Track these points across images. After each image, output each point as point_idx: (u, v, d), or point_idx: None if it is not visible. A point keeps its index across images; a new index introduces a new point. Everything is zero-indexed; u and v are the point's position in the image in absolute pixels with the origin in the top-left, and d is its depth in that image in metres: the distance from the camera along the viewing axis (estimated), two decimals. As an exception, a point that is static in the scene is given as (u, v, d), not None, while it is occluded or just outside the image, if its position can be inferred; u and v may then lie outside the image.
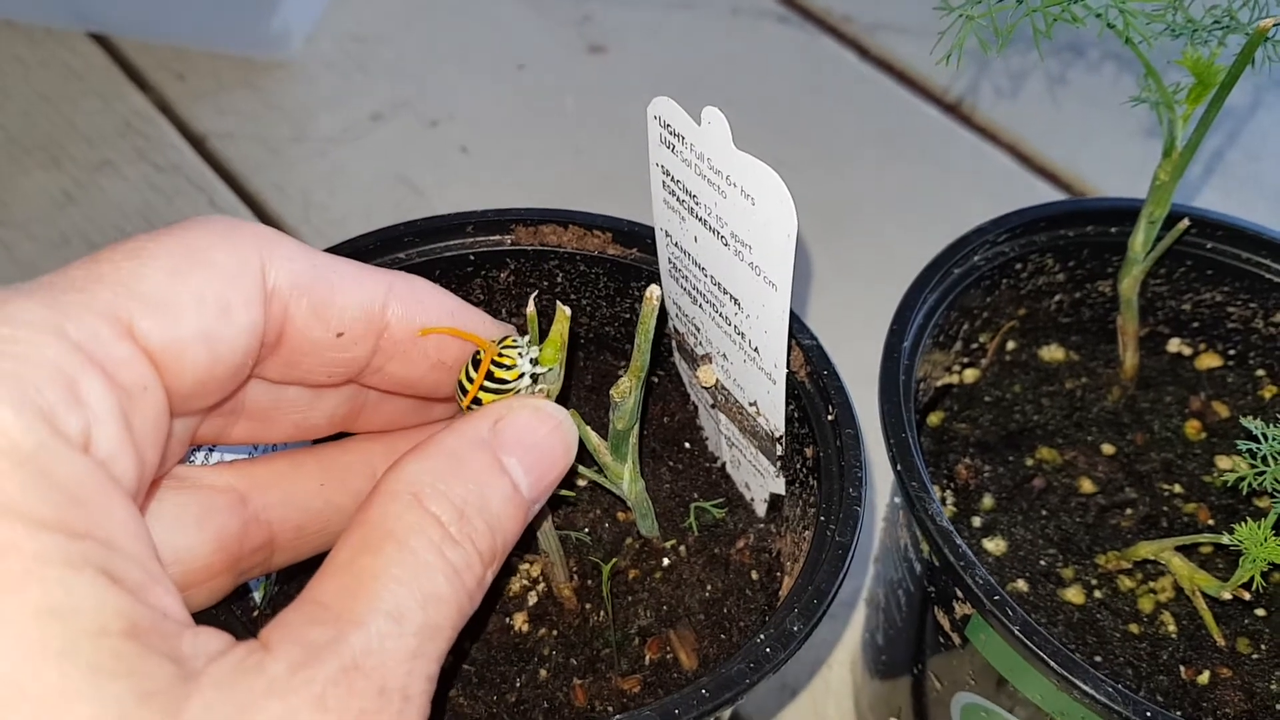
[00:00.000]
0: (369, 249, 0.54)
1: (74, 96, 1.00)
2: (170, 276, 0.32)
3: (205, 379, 0.33)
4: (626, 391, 0.42)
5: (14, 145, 0.95)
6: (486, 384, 0.40)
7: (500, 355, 0.40)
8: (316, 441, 0.45)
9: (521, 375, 0.40)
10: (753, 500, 0.53)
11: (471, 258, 0.55)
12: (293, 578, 0.50)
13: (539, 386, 0.41)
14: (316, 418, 0.43)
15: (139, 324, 0.31)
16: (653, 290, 0.40)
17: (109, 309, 0.30)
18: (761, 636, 0.40)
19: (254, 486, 0.41)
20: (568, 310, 0.40)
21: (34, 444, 0.27)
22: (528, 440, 0.37)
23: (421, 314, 0.40)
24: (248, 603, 0.48)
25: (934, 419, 0.60)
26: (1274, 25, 0.46)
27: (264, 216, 0.92)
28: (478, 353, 0.40)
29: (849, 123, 1.03)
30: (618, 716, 0.37)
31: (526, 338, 0.41)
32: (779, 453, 0.49)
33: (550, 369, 0.40)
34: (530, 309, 0.41)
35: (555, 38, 1.09)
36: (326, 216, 0.92)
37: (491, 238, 0.56)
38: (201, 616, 0.40)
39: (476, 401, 0.40)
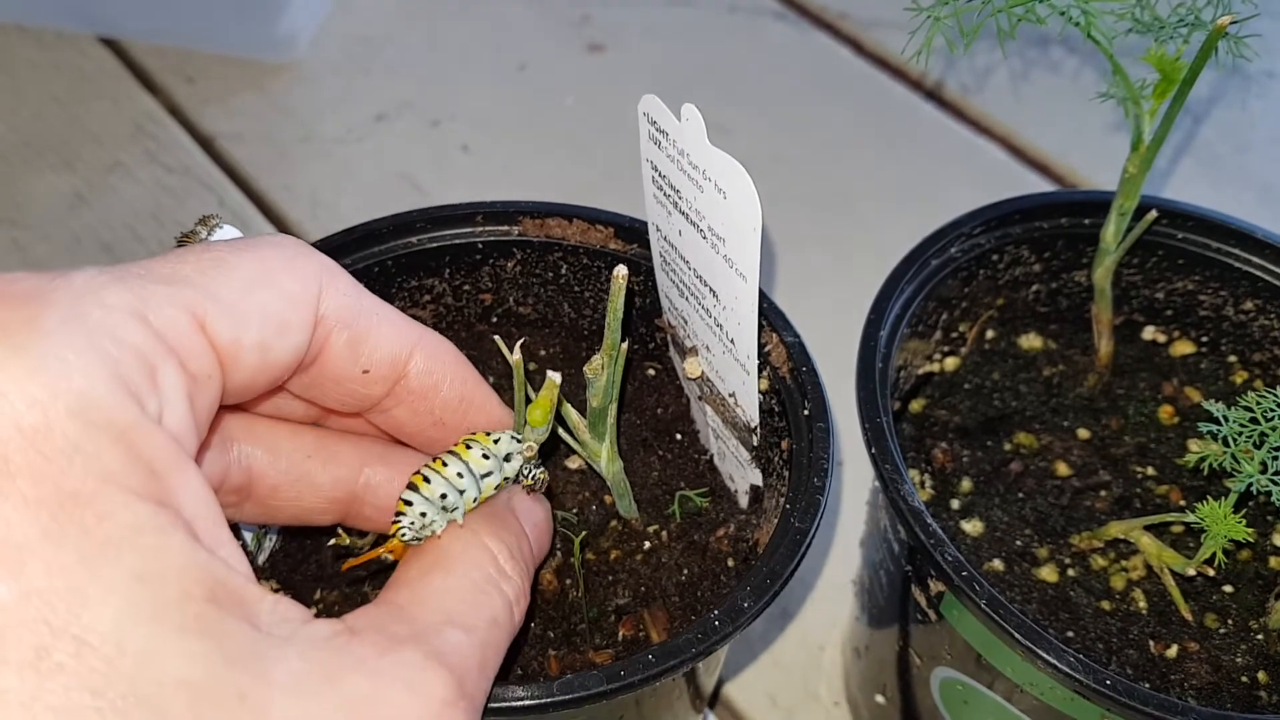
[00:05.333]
0: (383, 232, 0.56)
1: (85, 99, 1.02)
2: (244, 287, 0.35)
3: (250, 382, 0.36)
4: (599, 369, 0.44)
5: (26, 148, 0.98)
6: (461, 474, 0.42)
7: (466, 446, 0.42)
8: None
9: (490, 474, 0.42)
10: (736, 491, 0.55)
11: (480, 245, 0.58)
12: (294, 537, 0.52)
13: (525, 444, 0.44)
14: (294, 407, 0.45)
15: (212, 322, 0.34)
16: (619, 270, 0.42)
17: (189, 304, 0.33)
18: (715, 611, 0.42)
19: (246, 434, 0.43)
20: (557, 379, 0.42)
21: (127, 420, 0.30)
22: (533, 518, 0.44)
23: (440, 372, 0.43)
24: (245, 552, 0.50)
25: (916, 406, 0.62)
26: (1231, 22, 0.48)
27: (272, 216, 0.94)
28: (472, 436, 0.43)
29: (844, 117, 1.05)
30: (568, 675, 0.40)
31: (506, 443, 0.43)
32: (754, 443, 0.51)
33: (538, 429, 0.44)
34: (515, 357, 0.43)
35: (555, 37, 1.11)
36: (333, 215, 0.94)
37: (500, 228, 0.58)
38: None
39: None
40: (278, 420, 0.45)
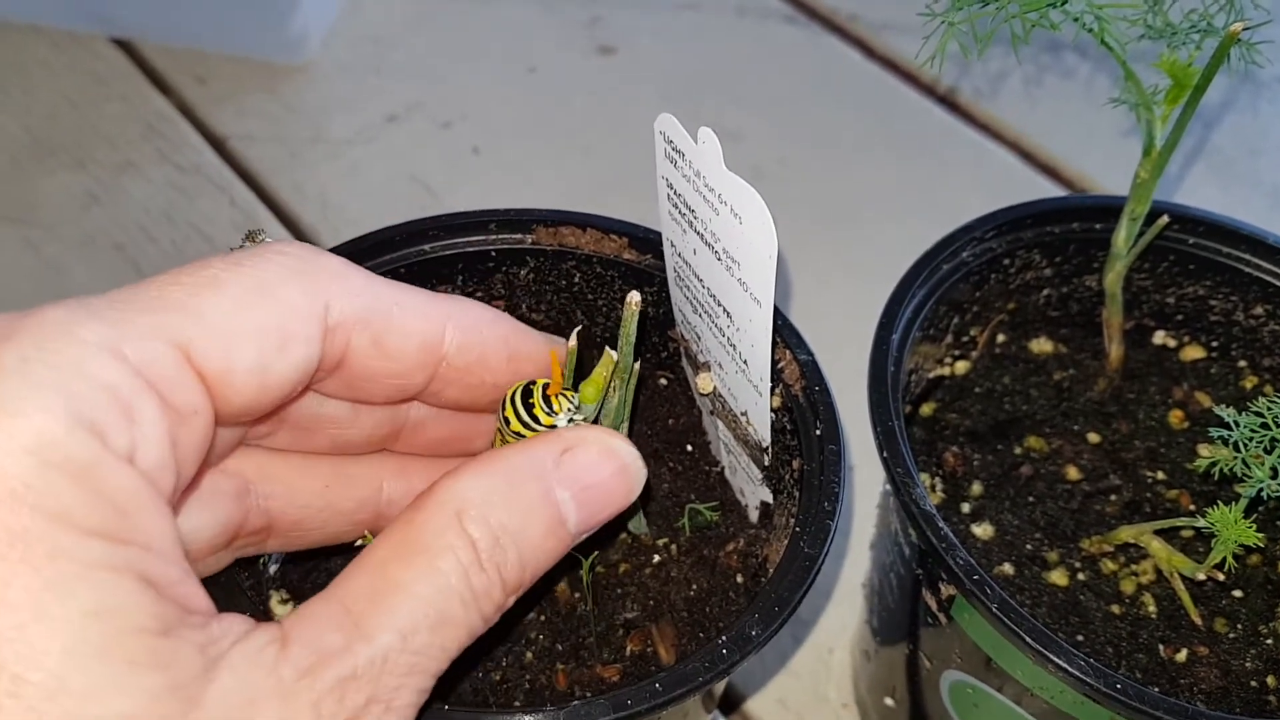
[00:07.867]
0: (394, 240, 0.56)
1: (97, 100, 1.03)
2: (237, 307, 0.34)
3: (253, 403, 0.35)
4: (610, 391, 0.44)
5: (40, 148, 0.98)
6: (523, 415, 0.41)
7: (555, 399, 0.41)
8: None
9: (554, 427, 0.41)
10: (746, 506, 0.55)
11: (493, 254, 0.57)
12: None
13: (577, 418, 0.43)
14: (355, 435, 0.44)
15: (198, 351, 0.33)
16: (632, 296, 0.42)
17: (172, 335, 0.32)
18: (723, 639, 0.42)
19: (261, 476, 0.42)
20: (615, 355, 0.42)
21: (87, 458, 0.29)
22: (588, 479, 0.38)
23: (479, 344, 0.42)
24: (258, 566, 0.50)
25: (926, 409, 0.62)
26: (1244, 28, 0.48)
27: (283, 216, 0.94)
28: (531, 382, 0.42)
29: (854, 121, 1.05)
30: (575, 702, 0.39)
31: (577, 399, 0.42)
32: (765, 463, 0.51)
33: (588, 406, 0.42)
34: (571, 343, 0.42)
35: (565, 39, 1.12)
36: (343, 216, 0.95)
37: (513, 235, 0.57)
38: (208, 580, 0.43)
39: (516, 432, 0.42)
40: (289, 455, 0.44)
